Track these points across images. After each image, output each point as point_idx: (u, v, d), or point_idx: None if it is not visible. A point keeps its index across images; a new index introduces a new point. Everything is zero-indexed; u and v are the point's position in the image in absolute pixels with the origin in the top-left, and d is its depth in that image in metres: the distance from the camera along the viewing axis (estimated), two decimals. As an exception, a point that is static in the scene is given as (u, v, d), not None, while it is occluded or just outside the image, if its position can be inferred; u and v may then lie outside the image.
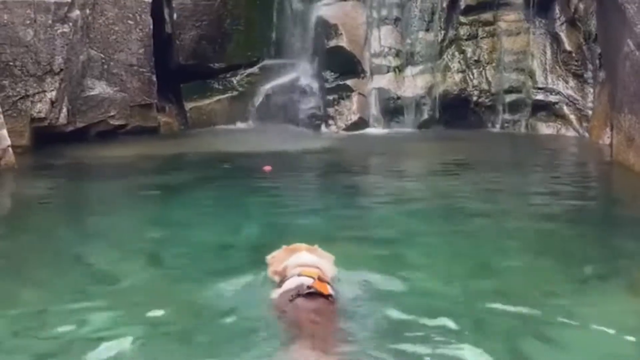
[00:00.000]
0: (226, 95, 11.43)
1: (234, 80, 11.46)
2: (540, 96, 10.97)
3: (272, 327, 3.70)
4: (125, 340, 3.74)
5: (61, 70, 9.51)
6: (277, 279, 4.01)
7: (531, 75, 11.08)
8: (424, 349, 3.57)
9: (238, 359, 3.52)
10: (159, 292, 4.47)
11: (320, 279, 3.79)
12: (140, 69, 10.64)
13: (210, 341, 3.75)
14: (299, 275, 3.83)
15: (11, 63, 9.35)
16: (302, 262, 3.92)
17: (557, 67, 10.97)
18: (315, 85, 11.32)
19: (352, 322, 3.78)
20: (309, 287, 3.71)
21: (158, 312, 4.10)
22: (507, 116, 11.10)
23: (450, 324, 3.85)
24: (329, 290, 3.78)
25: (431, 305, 4.14)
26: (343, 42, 11.16)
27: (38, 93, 9.43)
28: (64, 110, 9.65)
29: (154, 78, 10.73)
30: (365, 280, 4.38)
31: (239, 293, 4.27)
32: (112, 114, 10.45)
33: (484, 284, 4.61)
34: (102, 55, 10.44)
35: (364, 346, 3.57)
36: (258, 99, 11.36)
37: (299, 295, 3.67)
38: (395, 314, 3.94)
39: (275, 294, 3.91)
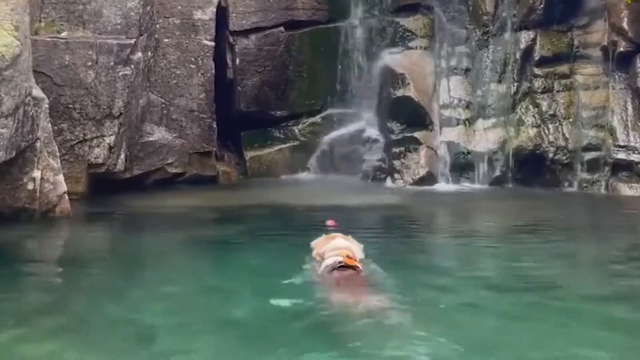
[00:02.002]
0: (287, 144, 11.12)
1: (296, 129, 11.18)
2: (621, 155, 10.45)
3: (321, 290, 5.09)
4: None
5: (121, 114, 9.22)
6: (319, 259, 5.36)
7: (611, 132, 10.57)
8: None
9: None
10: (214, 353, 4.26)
11: (348, 257, 5.20)
12: (201, 115, 10.35)
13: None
14: (334, 255, 5.20)
15: (70, 106, 9.10)
16: (336, 247, 5.29)
17: (640, 124, 10.45)
18: (380, 136, 10.95)
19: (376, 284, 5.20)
20: (339, 262, 5.16)
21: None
22: (585, 175, 10.59)
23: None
24: (356, 263, 5.21)
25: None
26: (410, 92, 10.79)
27: (96, 137, 9.14)
28: (122, 156, 9.35)
29: (215, 125, 10.44)
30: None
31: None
32: (170, 161, 10.15)
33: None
34: (162, 99, 10.18)
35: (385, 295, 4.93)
36: (320, 150, 11.07)
37: (334, 268, 5.13)
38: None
39: (319, 269, 5.29)
